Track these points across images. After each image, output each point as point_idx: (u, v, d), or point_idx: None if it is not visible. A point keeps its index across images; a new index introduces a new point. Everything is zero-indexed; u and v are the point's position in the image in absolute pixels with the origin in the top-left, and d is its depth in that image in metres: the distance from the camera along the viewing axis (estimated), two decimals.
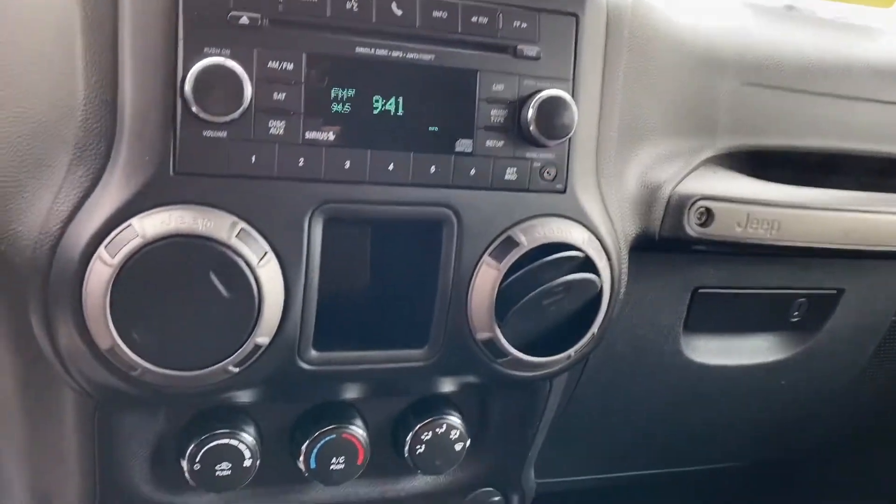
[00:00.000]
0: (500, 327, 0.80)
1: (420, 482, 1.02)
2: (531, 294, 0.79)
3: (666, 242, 0.96)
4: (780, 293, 1.18)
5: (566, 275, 0.80)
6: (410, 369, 0.82)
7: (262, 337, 0.72)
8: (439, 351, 0.82)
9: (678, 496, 1.91)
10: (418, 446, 0.94)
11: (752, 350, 1.23)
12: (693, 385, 1.23)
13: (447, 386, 0.89)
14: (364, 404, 0.94)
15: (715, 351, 1.20)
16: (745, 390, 1.27)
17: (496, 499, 1.07)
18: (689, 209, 0.94)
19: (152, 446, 0.87)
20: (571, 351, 0.85)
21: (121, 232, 0.68)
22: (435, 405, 0.96)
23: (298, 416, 0.92)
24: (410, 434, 0.93)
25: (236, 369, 0.73)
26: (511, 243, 0.80)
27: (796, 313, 1.20)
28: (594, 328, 0.85)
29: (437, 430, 0.94)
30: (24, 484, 0.93)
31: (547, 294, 0.80)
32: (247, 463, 0.86)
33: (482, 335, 0.81)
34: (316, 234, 0.75)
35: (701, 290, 1.13)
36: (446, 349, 0.82)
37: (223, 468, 0.85)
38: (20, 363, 0.81)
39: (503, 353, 0.82)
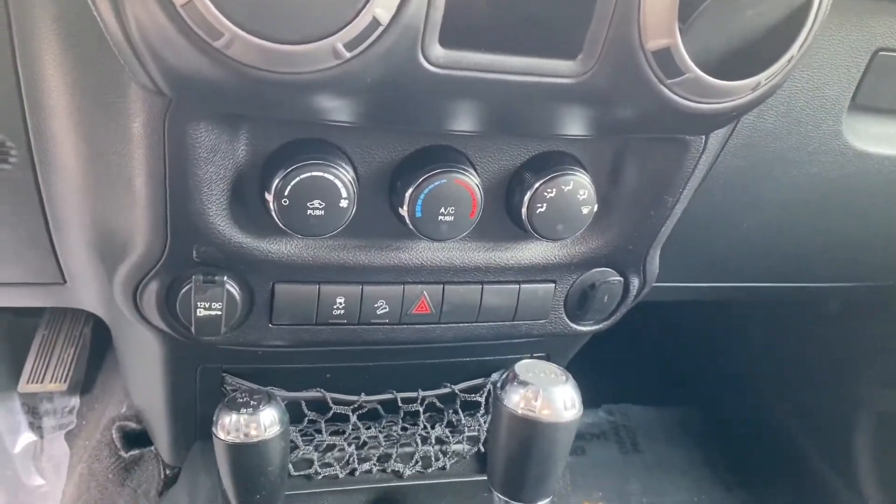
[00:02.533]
0: (681, 33, 0.62)
1: (532, 252, 0.88)
2: None
3: None
4: None
5: None
6: (555, 87, 0.65)
7: (381, 8, 0.55)
8: (596, 63, 0.64)
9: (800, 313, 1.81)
10: (539, 206, 0.78)
11: None
12: (846, 178, 1.04)
13: (593, 117, 0.72)
14: (478, 151, 0.78)
15: (883, 138, 1.00)
16: None
17: (615, 280, 0.93)
18: None
19: (232, 175, 0.73)
20: (762, 77, 0.66)
21: None
22: (559, 160, 0.80)
23: (401, 160, 0.77)
24: (531, 191, 0.78)
25: (346, 53, 0.56)
26: None
27: None
28: (794, 49, 0.65)
29: (564, 187, 0.78)
30: (84, 219, 0.81)
31: None
32: (343, 203, 0.72)
33: (655, 43, 0.62)
34: None
35: (883, 53, 0.92)
36: (605, 61, 0.64)
37: (316, 206, 0.71)
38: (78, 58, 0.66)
39: (679, 70, 0.64)
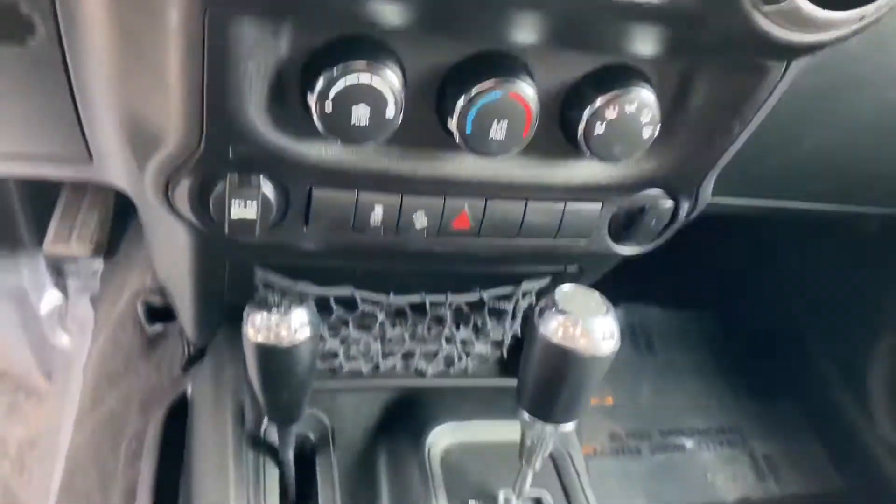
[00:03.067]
0: None
1: (582, 171, 0.83)
2: None
3: None
4: None
5: None
6: (641, 4, 0.58)
7: None
8: None
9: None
10: (598, 125, 0.73)
11: None
12: None
13: (672, 39, 0.65)
14: (536, 59, 0.72)
15: None
16: None
17: (666, 204, 0.88)
18: None
19: (274, 73, 0.68)
20: (871, 8, 0.59)
21: None
22: (625, 75, 0.73)
23: (453, 66, 0.71)
24: (590, 109, 0.72)
25: None
26: None
27: None
28: None
29: (627, 106, 0.72)
30: (113, 105, 0.76)
31: None
32: (389, 112, 0.67)
33: None
34: None
35: None
36: None
37: (360, 113, 0.66)
38: None
39: None
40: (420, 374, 1.14)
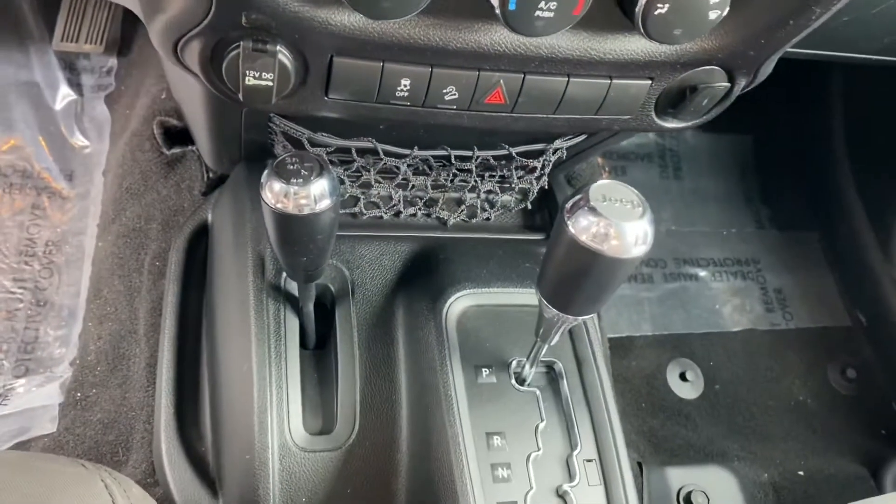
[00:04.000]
0: None
1: (634, 47, 0.75)
2: None
3: None
4: None
5: None
6: None
7: None
8: None
9: None
10: (659, 5, 0.64)
11: None
12: None
13: None
14: None
15: None
16: None
17: (721, 83, 0.80)
18: None
19: None
20: None
21: None
22: None
23: None
24: None
25: None
26: None
27: None
28: None
29: None
30: None
31: None
32: None
33: None
34: None
35: None
36: None
37: None
38: None
39: None
40: (442, 222, 1.12)
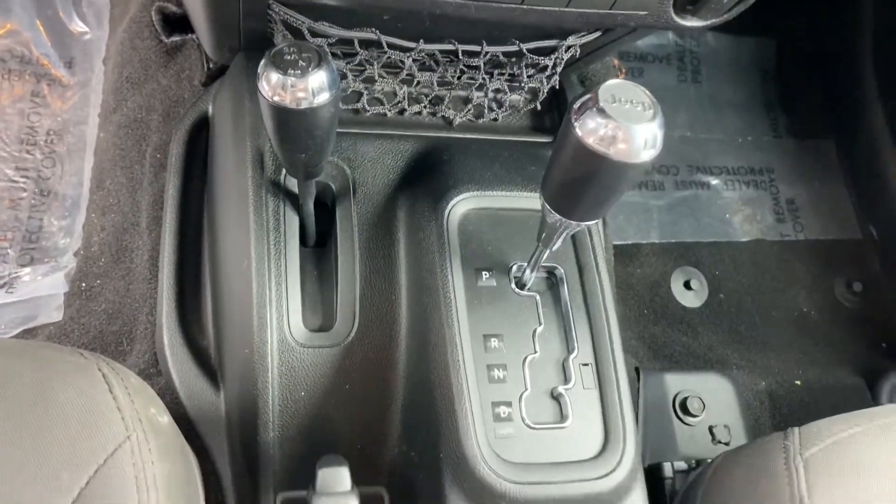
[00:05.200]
0: None
1: None
2: None
3: None
4: None
5: None
6: None
7: None
8: None
9: None
10: None
11: None
12: None
13: None
14: None
15: None
16: None
17: None
18: None
19: None
20: None
21: None
22: None
23: None
24: None
25: None
26: None
27: None
28: None
29: None
30: None
31: None
32: None
33: None
34: None
35: None
36: None
37: None
38: None
39: None
40: (447, 122, 1.09)
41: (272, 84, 0.75)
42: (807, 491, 0.84)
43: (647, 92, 0.71)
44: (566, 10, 0.77)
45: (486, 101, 1.08)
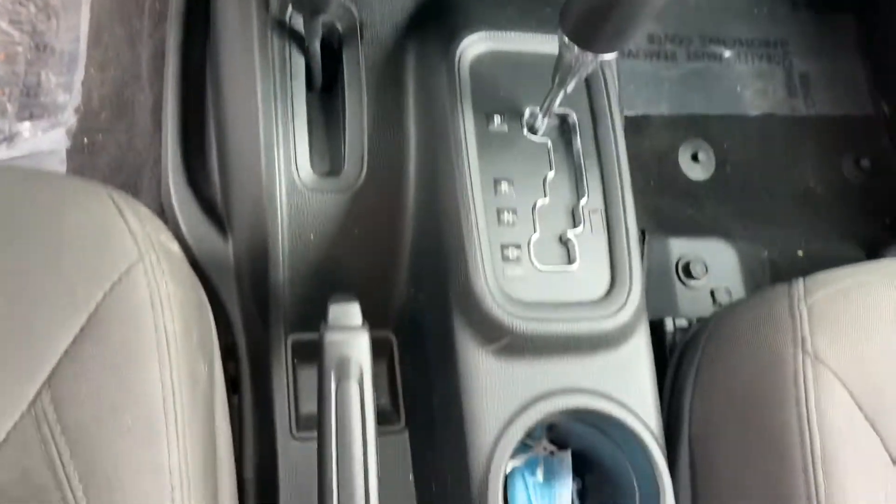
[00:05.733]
0: None
1: None
2: None
3: None
4: None
5: None
6: None
7: None
8: None
9: None
10: None
11: None
12: None
13: None
14: None
15: None
16: None
17: None
18: None
19: None
20: None
21: None
22: None
23: None
24: None
25: None
26: None
27: None
28: None
29: None
30: None
31: None
32: None
33: None
34: None
35: None
36: None
37: None
38: None
39: None
40: None
41: None
42: (809, 332, 0.86)
43: None
44: None
45: None
